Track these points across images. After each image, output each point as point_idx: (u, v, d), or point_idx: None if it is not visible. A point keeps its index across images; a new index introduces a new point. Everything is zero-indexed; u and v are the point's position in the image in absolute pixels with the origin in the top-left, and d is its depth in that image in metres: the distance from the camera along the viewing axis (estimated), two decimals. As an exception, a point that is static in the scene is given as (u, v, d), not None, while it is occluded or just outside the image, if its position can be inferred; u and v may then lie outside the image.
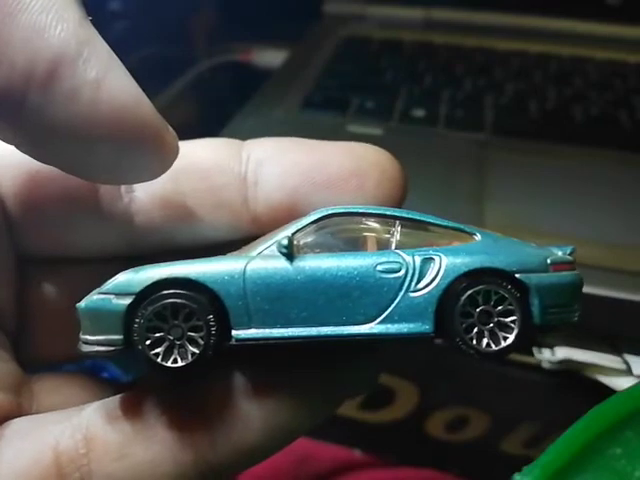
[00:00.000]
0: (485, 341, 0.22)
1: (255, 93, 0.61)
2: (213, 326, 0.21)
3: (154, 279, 0.21)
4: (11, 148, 0.21)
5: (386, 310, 0.22)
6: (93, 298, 0.22)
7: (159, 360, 0.21)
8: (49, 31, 0.19)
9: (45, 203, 0.26)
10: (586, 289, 0.35)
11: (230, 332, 0.22)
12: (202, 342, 0.21)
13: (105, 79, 0.19)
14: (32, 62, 0.19)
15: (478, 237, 0.23)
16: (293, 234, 0.23)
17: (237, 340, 0.22)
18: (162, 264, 0.22)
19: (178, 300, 0.21)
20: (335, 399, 0.25)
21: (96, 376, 0.29)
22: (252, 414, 0.22)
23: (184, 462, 0.22)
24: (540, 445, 0.43)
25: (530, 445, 0.43)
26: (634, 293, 0.33)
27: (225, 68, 0.82)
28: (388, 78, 0.58)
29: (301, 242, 0.23)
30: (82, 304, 0.22)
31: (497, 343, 0.22)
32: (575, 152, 0.46)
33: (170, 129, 0.22)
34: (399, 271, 0.22)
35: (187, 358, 0.21)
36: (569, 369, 0.37)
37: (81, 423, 0.22)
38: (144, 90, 0.21)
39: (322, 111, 0.55)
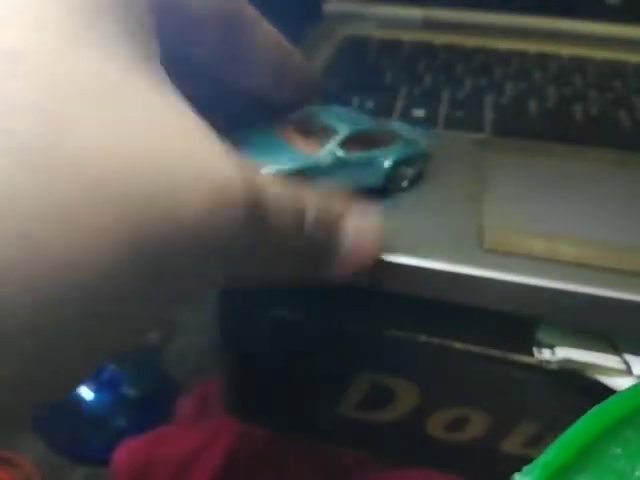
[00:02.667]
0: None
1: (255, 93, 0.60)
2: None
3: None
4: None
5: None
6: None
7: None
8: None
9: None
10: (586, 289, 0.35)
11: None
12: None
13: None
14: None
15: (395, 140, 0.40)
16: None
17: None
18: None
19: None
20: None
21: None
22: None
23: None
24: (540, 445, 0.43)
25: (530, 445, 0.43)
26: (634, 293, 0.33)
27: (225, 68, 0.82)
28: (388, 78, 0.58)
29: None
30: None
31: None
32: (575, 152, 0.46)
33: None
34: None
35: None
36: (569, 369, 0.37)
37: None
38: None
39: (322, 111, 0.55)
